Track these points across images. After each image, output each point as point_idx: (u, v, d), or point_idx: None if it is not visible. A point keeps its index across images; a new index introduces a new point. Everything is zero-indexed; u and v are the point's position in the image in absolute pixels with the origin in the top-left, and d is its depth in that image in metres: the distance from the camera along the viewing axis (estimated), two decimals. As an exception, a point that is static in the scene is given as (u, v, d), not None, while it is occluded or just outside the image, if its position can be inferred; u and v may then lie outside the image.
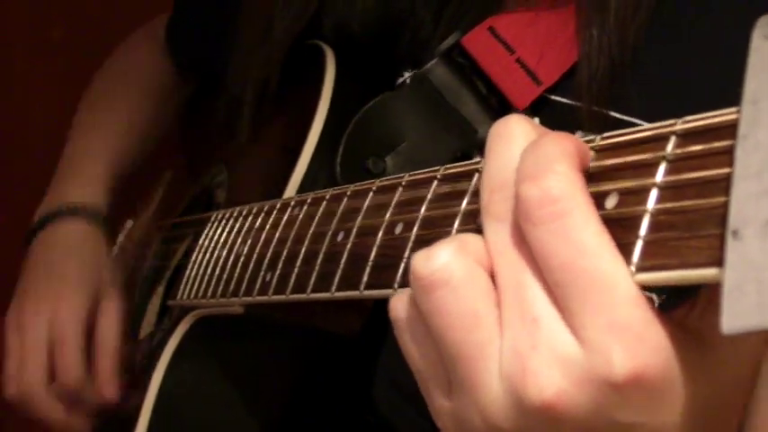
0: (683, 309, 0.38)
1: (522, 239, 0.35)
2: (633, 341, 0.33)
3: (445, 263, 0.36)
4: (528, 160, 0.35)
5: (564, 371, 0.34)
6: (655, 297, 0.55)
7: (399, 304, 0.41)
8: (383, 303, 0.68)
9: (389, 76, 0.74)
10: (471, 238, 0.38)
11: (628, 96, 0.59)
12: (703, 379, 0.36)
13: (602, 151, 0.38)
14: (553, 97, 0.64)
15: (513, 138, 0.38)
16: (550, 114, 0.64)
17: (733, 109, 0.32)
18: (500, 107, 0.66)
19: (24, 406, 0.84)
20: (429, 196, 0.48)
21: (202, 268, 0.74)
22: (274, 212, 0.66)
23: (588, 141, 0.39)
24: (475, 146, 0.66)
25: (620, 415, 0.34)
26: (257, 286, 0.63)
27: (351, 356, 0.71)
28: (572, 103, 0.62)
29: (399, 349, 0.44)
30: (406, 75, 0.74)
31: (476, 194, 0.43)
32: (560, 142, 0.35)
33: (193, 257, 0.77)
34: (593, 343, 0.33)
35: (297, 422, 0.73)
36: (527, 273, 0.35)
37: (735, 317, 0.28)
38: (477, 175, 0.45)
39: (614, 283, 0.33)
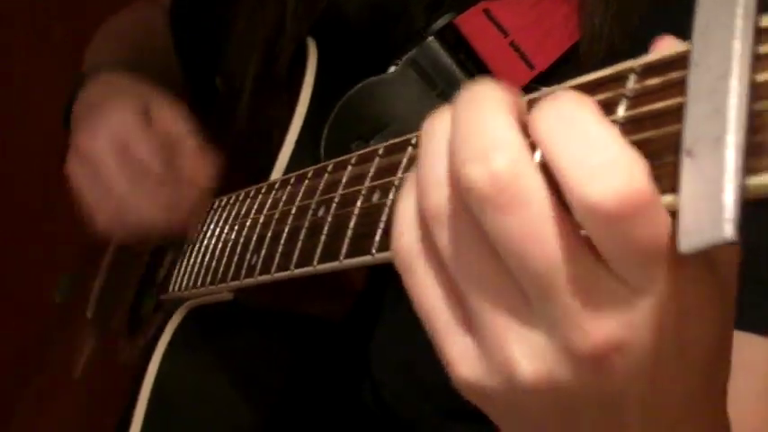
0: None
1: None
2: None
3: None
4: (460, 142, 0.33)
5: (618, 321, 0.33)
6: None
7: (407, 238, 0.36)
8: (374, 287, 0.69)
9: (381, 67, 0.74)
10: None
11: None
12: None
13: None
14: (541, 89, 0.65)
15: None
16: None
17: (688, 41, 0.33)
18: None
19: (122, 224, 0.76)
20: (404, 162, 0.48)
21: (192, 259, 0.74)
22: (259, 196, 0.66)
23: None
24: None
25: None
26: (244, 269, 0.63)
27: (342, 338, 0.71)
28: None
29: (397, 326, 0.42)
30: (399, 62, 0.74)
31: None
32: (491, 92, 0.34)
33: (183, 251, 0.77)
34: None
35: (292, 406, 0.73)
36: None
37: (691, 234, 0.28)
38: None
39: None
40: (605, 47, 0.60)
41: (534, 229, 0.32)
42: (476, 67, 0.67)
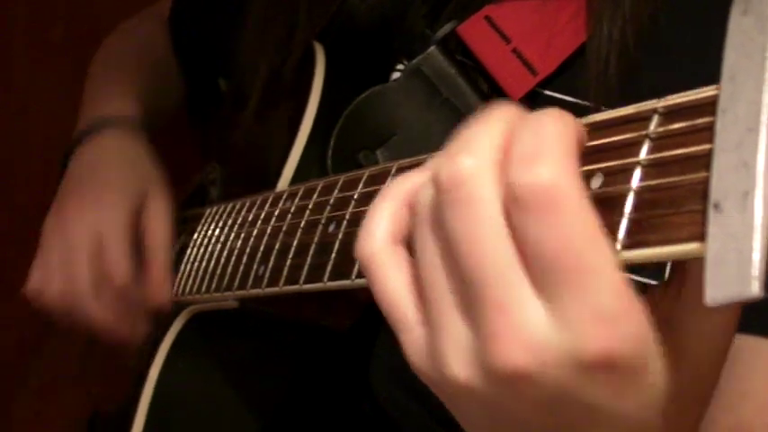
0: (657, 291, 0.38)
1: (485, 226, 0.35)
2: (611, 328, 0.32)
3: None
4: (526, 143, 0.34)
5: (534, 353, 0.33)
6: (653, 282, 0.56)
7: (374, 237, 0.40)
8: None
9: (384, 71, 0.74)
10: None
11: (637, 93, 0.59)
12: (672, 370, 0.35)
13: (587, 132, 0.38)
14: (547, 92, 0.65)
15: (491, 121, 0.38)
16: (547, 106, 0.63)
17: (714, 86, 0.33)
18: (495, 98, 0.66)
19: (69, 310, 0.78)
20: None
21: (197, 264, 0.74)
22: (267, 206, 0.66)
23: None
24: None
25: (585, 396, 0.34)
26: (251, 280, 0.63)
27: (345, 349, 0.72)
28: (577, 101, 0.62)
29: (392, 338, 0.43)
30: (401, 68, 0.74)
31: None
32: (562, 127, 0.35)
33: (188, 254, 0.77)
34: (569, 326, 0.33)
35: (293, 413, 0.73)
36: (492, 262, 0.35)
37: (717, 288, 0.28)
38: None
39: (599, 272, 0.32)
40: (615, 56, 0.60)
41: (473, 230, 0.34)
42: (479, 75, 0.67)
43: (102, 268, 0.78)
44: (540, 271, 0.34)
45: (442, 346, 0.37)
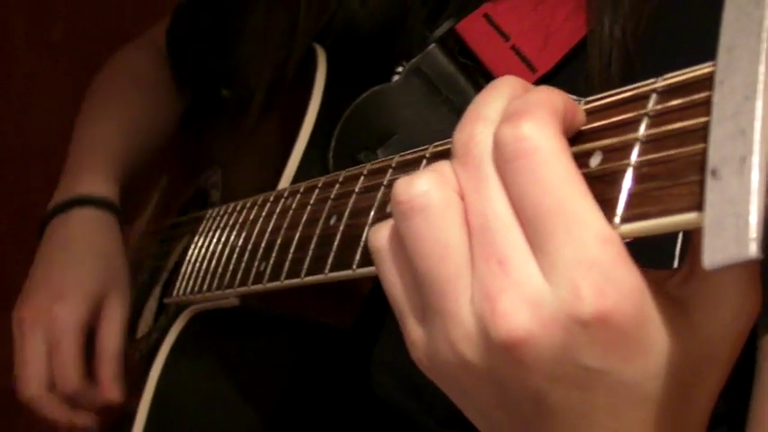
0: (664, 274, 0.38)
1: (489, 180, 0.36)
2: (602, 279, 0.33)
3: (425, 190, 0.37)
4: (511, 105, 0.36)
5: (532, 312, 0.34)
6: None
7: (379, 233, 0.41)
8: (379, 293, 0.69)
9: (385, 73, 0.75)
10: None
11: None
12: (679, 343, 0.35)
13: (586, 114, 0.39)
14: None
15: (499, 88, 0.39)
16: None
17: (711, 63, 0.33)
18: None
19: (32, 408, 0.84)
20: (419, 174, 0.49)
21: (198, 264, 0.74)
22: (268, 204, 0.67)
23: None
24: None
25: (586, 358, 0.34)
26: (252, 276, 0.63)
27: (347, 346, 0.72)
28: (577, 98, 0.62)
29: (397, 337, 0.44)
30: (400, 71, 0.75)
31: None
32: (548, 94, 0.36)
33: (189, 254, 0.77)
34: (561, 280, 0.33)
35: (294, 411, 0.73)
36: (496, 213, 0.35)
37: (715, 251, 0.28)
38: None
39: (582, 219, 0.33)
40: (617, 51, 0.61)
41: (479, 190, 0.36)
42: (478, 73, 0.67)
43: (55, 377, 0.82)
44: (528, 222, 0.35)
45: (446, 327, 0.37)
